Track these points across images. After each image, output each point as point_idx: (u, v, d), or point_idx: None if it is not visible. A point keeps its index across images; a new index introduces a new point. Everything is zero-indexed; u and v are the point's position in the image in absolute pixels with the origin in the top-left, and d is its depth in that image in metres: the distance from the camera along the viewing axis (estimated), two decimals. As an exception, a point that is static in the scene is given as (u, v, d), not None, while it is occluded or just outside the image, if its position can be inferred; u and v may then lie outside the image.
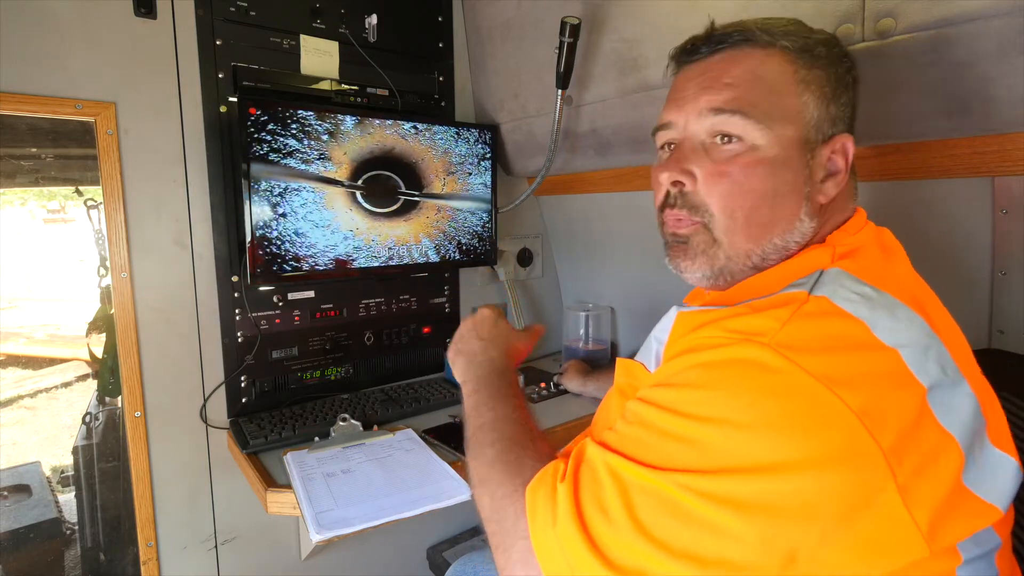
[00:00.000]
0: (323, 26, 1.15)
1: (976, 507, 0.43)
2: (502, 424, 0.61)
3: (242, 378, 1.13)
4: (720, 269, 0.55)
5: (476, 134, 1.28)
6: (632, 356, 0.63)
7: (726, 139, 0.53)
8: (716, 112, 0.53)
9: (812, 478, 0.39)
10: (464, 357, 0.75)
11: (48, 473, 0.99)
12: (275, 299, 1.15)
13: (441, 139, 1.23)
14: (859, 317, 0.43)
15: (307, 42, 1.14)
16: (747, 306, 0.47)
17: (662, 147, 0.61)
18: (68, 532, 1.01)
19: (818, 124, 0.53)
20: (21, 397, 0.97)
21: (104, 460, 1.02)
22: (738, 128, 0.53)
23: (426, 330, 1.37)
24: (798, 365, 0.40)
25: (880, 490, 0.39)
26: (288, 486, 0.87)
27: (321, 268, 1.10)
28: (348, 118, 1.10)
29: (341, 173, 1.11)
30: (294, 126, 1.04)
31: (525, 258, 1.57)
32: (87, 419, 1.01)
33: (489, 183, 1.32)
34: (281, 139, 1.03)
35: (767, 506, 0.39)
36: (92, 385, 1.02)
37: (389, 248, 1.19)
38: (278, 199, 1.03)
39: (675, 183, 0.56)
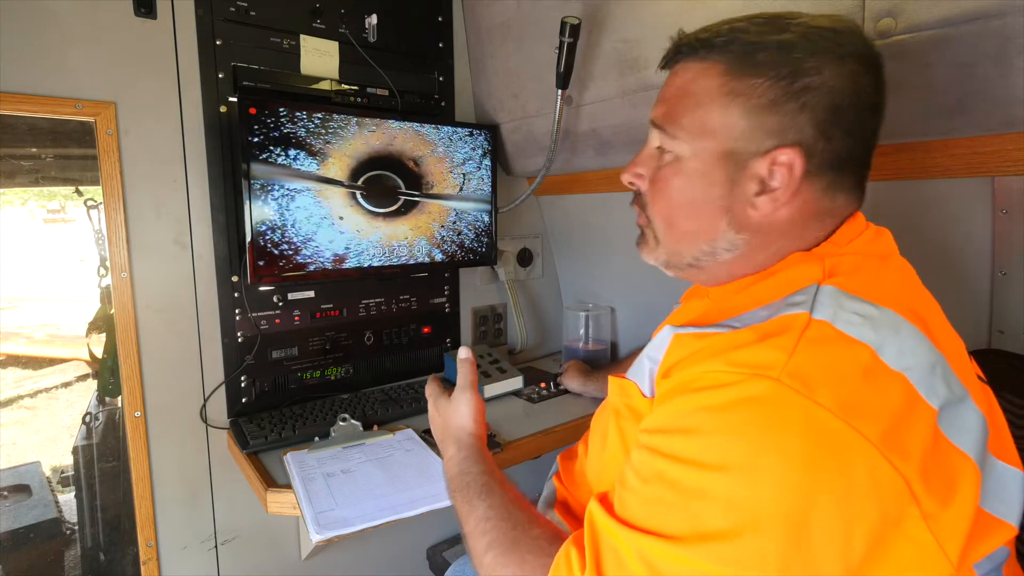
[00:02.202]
0: (323, 26, 1.15)
1: (992, 526, 0.43)
2: (486, 524, 0.58)
3: (242, 378, 1.13)
4: (666, 262, 0.59)
5: (476, 134, 1.28)
6: (621, 371, 0.61)
7: (661, 149, 0.57)
8: (652, 125, 0.58)
9: (841, 517, 0.38)
10: (443, 458, 0.76)
11: (48, 473, 0.99)
12: (275, 299, 1.15)
13: (441, 139, 1.23)
14: (864, 341, 0.42)
15: (307, 42, 1.14)
16: (749, 330, 0.45)
17: None
18: (68, 532, 1.01)
19: (748, 137, 0.51)
20: (21, 397, 0.97)
21: (104, 460, 1.02)
22: (666, 141, 0.56)
23: (426, 330, 1.37)
24: (812, 400, 0.39)
25: (906, 517, 0.38)
26: (288, 486, 0.87)
27: (321, 268, 1.10)
28: (348, 118, 1.10)
29: (341, 173, 1.11)
30: (294, 126, 1.04)
31: (525, 258, 1.57)
32: (87, 419, 1.01)
33: (489, 183, 1.32)
34: (281, 139, 1.03)
35: (802, 556, 0.38)
36: (92, 385, 1.02)
37: (389, 248, 1.19)
38: (278, 199, 1.04)
39: (630, 183, 0.61)
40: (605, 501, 0.49)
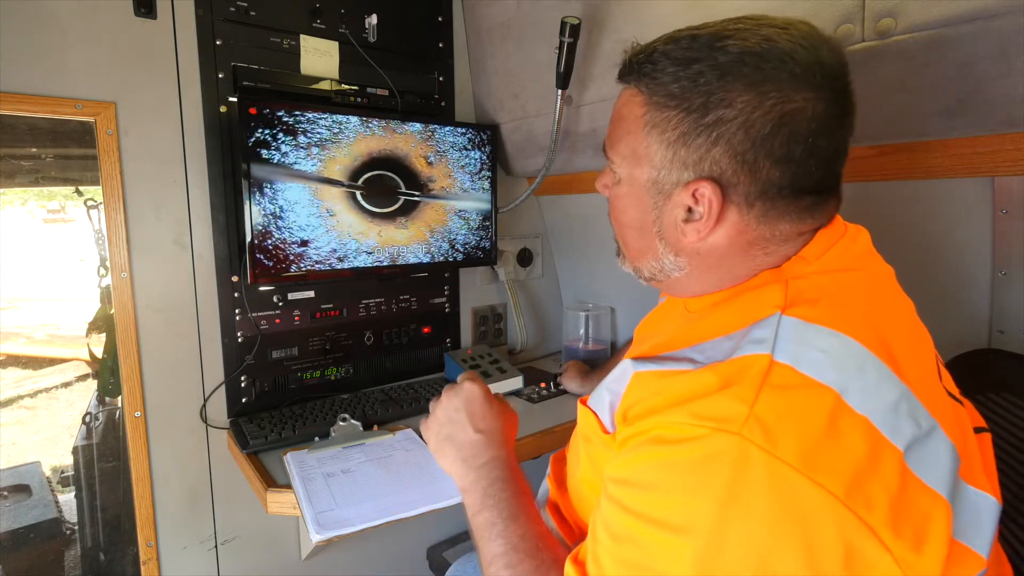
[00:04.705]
0: (323, 26, 1.15)
1: (965, 557, 0.43)
2: (514, 556, 0.58)
3: (242, 378, 1.13)
4: (633, 272, 0.61)
5: (476, 134, 1.28)
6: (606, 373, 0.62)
7: (612, 168, 0.58)
8: (604, 144, 0.58)
9: (810, 574, 0.38)
10: (457, 451, 0.68)
11: (48, 473, 0.99)
12: (275, 299, 1.15)
13: (441, 139, 1.23)
14: (828, 384, 0.42)
15: (307, 42, 1.14)
16: (710, 371, 0.44)
17: None
18: (68, 532, 1.01)
19: (668, 167, 0.50)
20: (21, 397, 0.97)
21: (104, 460, 1.02)
22: (611, 163, 0.57)
23: (426, 330, 1.37)
24: (774, 455, 0.39)
25: (878, 566, 0.38)
26: (288, 486, 0.87)
27: (321, 268, 1.10)
28: (348, 118, 1.10)
29: (341, 173, 1.11)
30: (294, 126, 1.04)
31: (525, 258, 1.57)
32: (87, 419, 1.01)
33: (489, 183, 1.32)
34: (281, 139, 1.03)
35: None
36: (92, 385, 1.02)
37: (389, 248, 1.19)
38: (278, 199, 1.03)
39: (601, 192, 0.62)
40: (581, 564, 0.49)
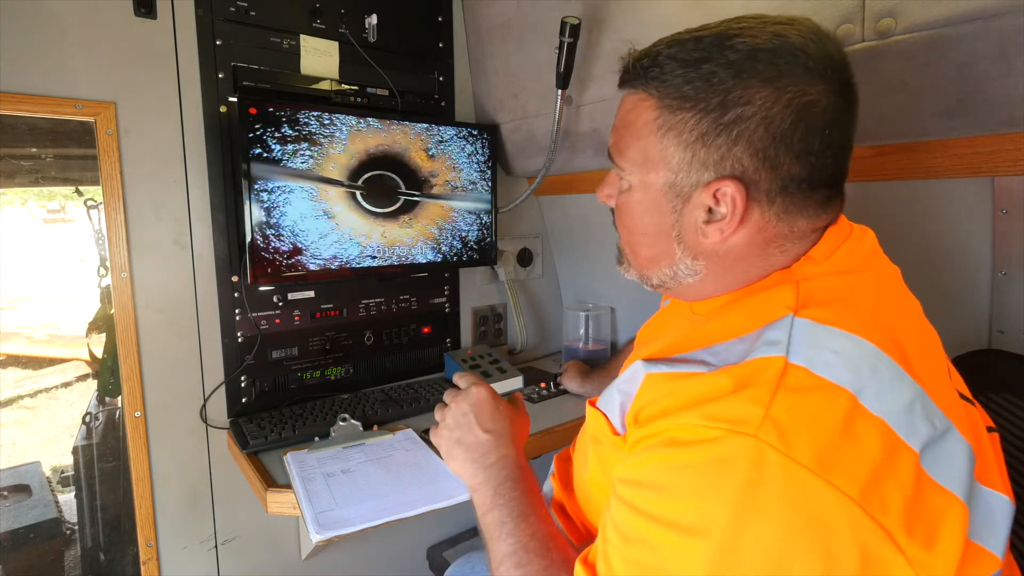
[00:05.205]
0: (323, 26, 1.15)
1: (980, 558, 0.43)
2: (523, 555, 0.58)
3: (242, 378, 1.13)
4: (639, 279, 0.61)
5: (476, 134, 1.28)
6: (609, 374, 0.62)
7: (619, 176, 0.57)
8: (610, 152, 0.58)
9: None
10: (466, 453, 0.69)
11: (48, 473, 0.99)
12: (275, 299, 1.15)
13: (441, 139, 1.23)
14: (843, 385, 0.42)
15: (307, 42, 1.14)
16: (724, 373, 0.44)
17: None
18: (68, 532, 1.01)
19: (686, 169, 0.50)
20: (21, 397, 0.97)
21: (104, 460, 1.02)
22: (619, 170, 0.56)
23: (426, 330, 1.37)
24: (790, 457, 0.39)
25: (892, 566, 0.38)
26: (288, 486, 0.87)
27: (321, 268, 1.10)
28: (348, 118, 1.10)
29: (341, 173, 1.11)
30: (294, 126, 1.04)
31: (525, 258, 1.57)
32: (87, 419, 1.01)
33: (489, 183, 1.32)
34: (281, 139, 1.03)
35: None
36: (92, 385, 1.02)
37: (389, 248, 1.19)
38: (278, 199, 1.03)
39: (604, 203, 0.61)
40: (591, 566, 0.49)
